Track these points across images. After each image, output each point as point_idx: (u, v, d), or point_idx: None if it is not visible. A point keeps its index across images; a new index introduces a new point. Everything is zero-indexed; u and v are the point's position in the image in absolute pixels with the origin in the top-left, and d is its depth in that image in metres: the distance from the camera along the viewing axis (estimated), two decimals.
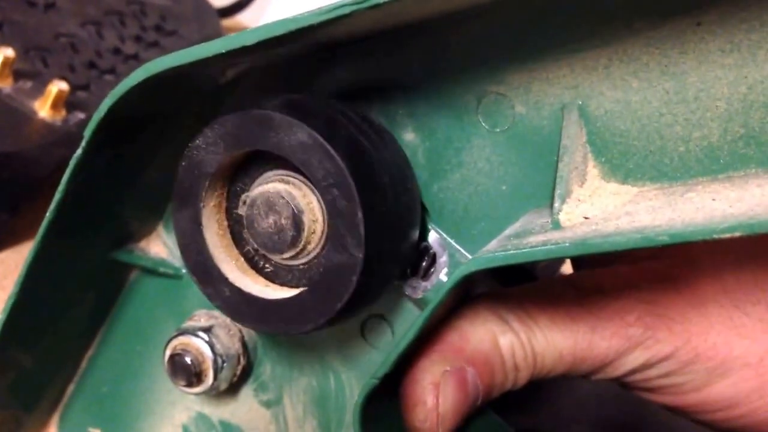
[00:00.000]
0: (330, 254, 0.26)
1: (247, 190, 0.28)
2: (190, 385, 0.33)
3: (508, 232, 0.28)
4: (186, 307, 0.36)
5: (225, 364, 0.34)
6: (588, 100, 0.27)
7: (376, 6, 0.23)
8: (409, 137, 0.30)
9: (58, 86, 0.47)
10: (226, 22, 0.76)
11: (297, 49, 0.29)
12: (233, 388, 0.36)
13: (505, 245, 0.26)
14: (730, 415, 0.28)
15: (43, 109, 0.48)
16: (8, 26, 0.50)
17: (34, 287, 0.33)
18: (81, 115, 0.49)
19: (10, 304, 0.33)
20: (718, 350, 0.28)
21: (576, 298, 0.29)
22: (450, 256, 0.30)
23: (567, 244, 0.23)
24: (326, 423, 0.34)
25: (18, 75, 0.48)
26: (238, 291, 0.28)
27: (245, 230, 0.28)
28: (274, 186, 0.27)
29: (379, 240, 0.26)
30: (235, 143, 0.26)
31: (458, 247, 0.30)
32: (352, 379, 0.33)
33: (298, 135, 0.25)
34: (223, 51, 0.25)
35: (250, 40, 0.25)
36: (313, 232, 0.27)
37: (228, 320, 0.35)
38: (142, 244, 0.37)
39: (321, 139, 0.25)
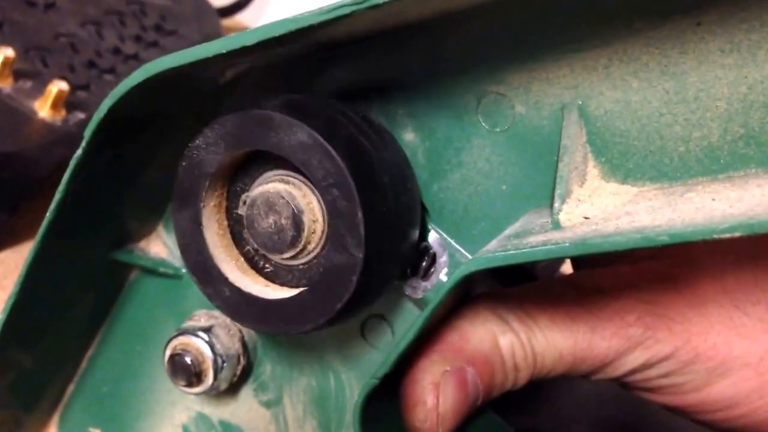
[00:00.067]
0: (330, 254, 0.26)
1: (247, 190, 0.28)
2: (190, 385, 0.33)
3: (508, 232, 0.28)
4: (186, 307, 0.36)
5: (225, 364, 0.34)
6: (588, 100, 0.27)
7: (376, 6, 0.23)
8: (409, 137, 0.30)
9: (58, 86, 0.47)
10: (226, 22, 0.76)
11: (297, 49, 0.29)
12: (233, 388, 0.36)
13: (505, 245, 0.26)
14: (730, 415, 0.28)
15: (43, 109, 0.48)
16: (8, 26, 0.50)
17: (34, 287, 0.33)
18: (81, 115, 0.49)
19: (10, 304, 0.33)
20: (718, 350, 0.28)
21: (576, 298, 0.29)
22: (450, 256, 0.30)
23: (567, 244, 0.23)
24: (326, 423, 0.34)
25: (18, 75, 0.48)
26: (238, 291, 0.28)
27: (245, 230, 0.28)
28: (274, 186, 0.27)
29: (379, 240, 0.26)
30: (235, 143, 0.26)
31: (458, 247, 0.30)
32: (352, 379, 0.33)
33: (298, 135, 0.25)
34: (223, 51, 0.25)
35: (250, 41, 0.25)
36: (313, 232, 0.27)
37: (228, 320, 0.35)
38: (142, 244, 0.37)
39: (321, 139, 0.25)
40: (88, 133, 0.29)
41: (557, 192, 0.26)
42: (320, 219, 0.27)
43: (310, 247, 0.27)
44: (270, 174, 0.28)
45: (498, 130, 0.29)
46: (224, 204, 0.29)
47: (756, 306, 0.28)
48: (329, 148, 0.25)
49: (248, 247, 0.29)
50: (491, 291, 0.32)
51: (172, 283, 0.37)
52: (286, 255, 0.27)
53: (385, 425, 0.30)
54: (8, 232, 0.48)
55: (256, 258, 0.29)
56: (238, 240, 0.29)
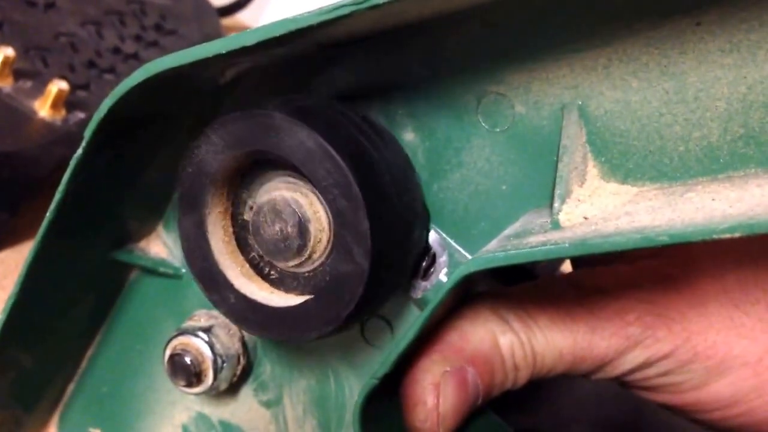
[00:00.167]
0: (336, 263, 0.26)
1: (254, 196, 0.28)
2: (189, 385, 0.33)
3: (507, 232, 0.28)
4: (186, 307, 0.36)
5: (225, 364, 0.34)
6: (588, 100, 0.27)
7: (376, 6, 0.23)
8: (408, 137, 0.30)
9: (58, 86, 0.47)
10: (226, 21, 0.76)
11: (297, 50, 0.29)
12: (233, 388, 0.36)
13: (505, 245, 0.26)
14: (728, 414, 0.28)
15: (43, 108, 0.48)
16: (8, 26, 0.50)
17: (34, 287, 0.33)
18: (81, 115, 0.49)
19: (10, 304, 0.33)
20: (717, 349, 0.28)
21: (576, 297, 0.29)
22: (450, 256, 0.30)
23: (566, 245, 0.23)
24: (326, 423, 0.34)
25: (18, 74, 0.48)
26: (244, 298, 0.28)
27: (251, 236, 0.28)
28: (281, 193, 0.27)
29: (385, 249, 0.26)
30: (236, 143, 0.26)
31: (458, 247, 0.30)
32: (352, 379, 0.33)
33: (299, 136, 0.25)
34: (223, 51, 0.25)
35: (249, 41, 0.25)
36: (319, 241, 0.27)
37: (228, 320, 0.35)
38: (142, 244, 0.37)
39: (322, 141, 0.25)
40: (88, 133, 0.29)
41: (557, 192, 0.26)
42: (326, 228, 0.26)
43: (315, 255, 0.27)
44: (277, 181, 0.27)
45: (498, 130, 0.29)
46: (230, 210, 0.28)
47: (755, 306, 0.28)
48: (336, 156, 0.25)
49: (253, 254, 0.28)
50: (491, 290, 0.32)
51: (172, 283, 0.37)
52: (292, 263, 0.27)
53: (385, 425, 0.30)
54: (8, 232, 0.48)
55: (262, 264, 0.28)
56: (243, 246, 0.29)
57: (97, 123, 0.28)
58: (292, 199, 0.26)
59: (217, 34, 0.67)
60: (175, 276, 0.36)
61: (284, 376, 0.35)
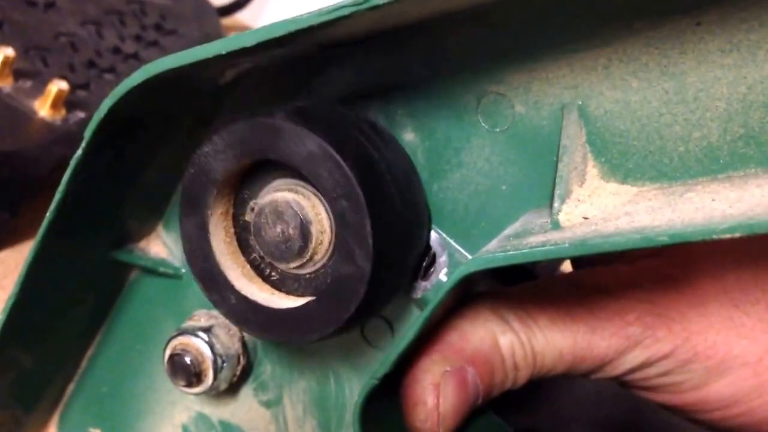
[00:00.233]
0: (337, 265, 0.26)
1: (255, 197, 0.28)
2: (189, 385, 0.33)
3: (507, 232, 0.28)
4: (186, 307, 0.36)
5: (225, 364, 0.34)
6: (588, 100, 0.27)
7: (376, 7, 0.23)
8: (408, 137, 0.30)
9: (57, 85, 0.47)
10: (225, 21, 0.76)
11: (297, 50, 0.29)
12: (233, 388, 0.36)
13: (505, 245, 0.26)
14: (728, 414, 0.28)
15: (43, 108, 0.48)
16: (8, 26, 0.50)
17: (34, 287, 0.33)
18: (81, 115, 0.49)
19: (10, 304, 0.33)
20: (717, 349, 0.28)
21: (576, 297, 0.29)
22: (450, 256, 0.30)
23: (566, 245, 0.23)
24: (326, 423, 0.34)
25: (18, 74, 0.48)
26: (244, 299, 0.28)
27: (252, 237, 0.28)
28: (282, 195, 0.27)
29: (386, 251, 0.26)
30: (243, 151, 0.26)
31: (458, 247, 0.30)
32: (352, 379, 0.33)
33: (307, 144, 0.25)
34: (223, 52, 0.25)
35: (249, 42, 0.25)
36: (321, 243, 0.26)
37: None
38: (142, 244, 0.37)
39: (330, 149, 0.25)
40: (88, 133, 0.29)
41: (557, 192, 0.26)
42: (328, 230, 0.26)
43: (317, 257, 0.27)
44: (278, 182, 0.27)
45: (498, 130, 0.29)
46: (231, 211, 0.28)
47: (755, 305, 0.28)
48: (338, 158, 0.25)
49: (254, 255, 0.28)
50: (491, 290, 0.32)
51: (172, 283, 0.37)
52: (293, 264, 0.27)
53: (385, 425, 0.30)
54: (8, 232, 0.48)
55: (263, 266, 0.28)
56: (244, 247, 0.29)
57: (97, 123, 0.28)
58: (294, 201, 0.26)
59: (217, 34, 0.67)
60: (175, 276, 0.36)
61: (284, 376, 0.35)
